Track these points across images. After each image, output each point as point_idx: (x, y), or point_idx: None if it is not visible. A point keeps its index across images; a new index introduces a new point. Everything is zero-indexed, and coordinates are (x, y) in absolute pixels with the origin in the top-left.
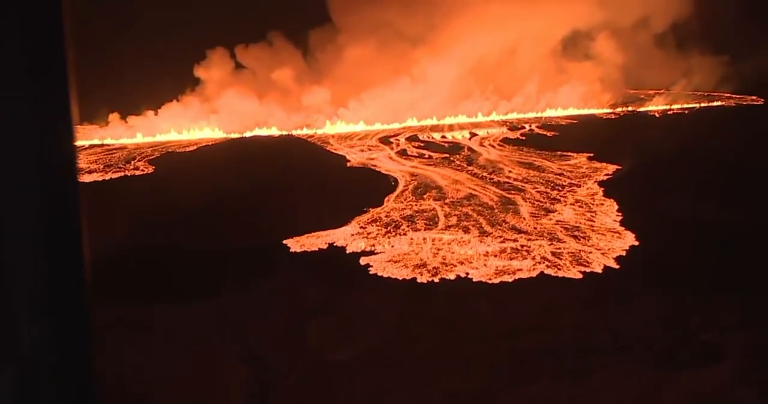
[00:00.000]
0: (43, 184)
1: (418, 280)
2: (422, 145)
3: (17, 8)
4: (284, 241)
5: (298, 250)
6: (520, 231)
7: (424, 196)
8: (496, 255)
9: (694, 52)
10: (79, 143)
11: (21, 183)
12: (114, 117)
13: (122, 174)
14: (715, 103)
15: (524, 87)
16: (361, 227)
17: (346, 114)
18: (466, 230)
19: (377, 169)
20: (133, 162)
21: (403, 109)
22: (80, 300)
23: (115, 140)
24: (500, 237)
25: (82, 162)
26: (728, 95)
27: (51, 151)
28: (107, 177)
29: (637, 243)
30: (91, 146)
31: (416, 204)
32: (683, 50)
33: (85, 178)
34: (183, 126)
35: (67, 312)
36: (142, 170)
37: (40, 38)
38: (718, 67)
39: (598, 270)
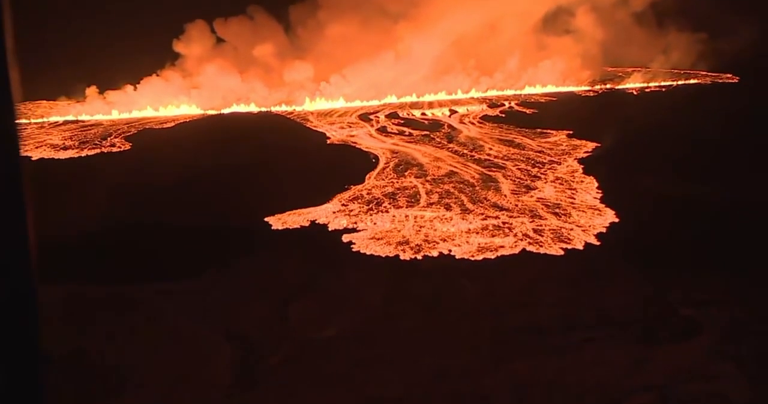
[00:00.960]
0: None
1: (401, 257)
2: (402, 122)
3: None
4: (266, 219)
5: (280, 228)
6: (501, 209)
7: (405, 174)
8: (478, 233)
9: (672, 29)
10: (53, 119)
11: None
12: (92, 91)
13: (98, 151)
14: (692, 81)
15: (505, 62)
16: (342, 204)
17: (328, 89)
18: (448, 207)
19: (358, 146)
20: (109, 138)
21: (385, 85)
22: (25, 278)
23: (90, 116)
24: (482, 214)
25: (57, 138)
26: (704, 73)
27: None
28: (83, 154)
29: (617, 219)
30: (66, 122)
31: (397, 182)
32: (662, 28)
33: (60, 155)
34: (163, 101)
35: (10, 291)
36: (119, 147)
37: None
38: (696, 45)
39: (580, 246)
